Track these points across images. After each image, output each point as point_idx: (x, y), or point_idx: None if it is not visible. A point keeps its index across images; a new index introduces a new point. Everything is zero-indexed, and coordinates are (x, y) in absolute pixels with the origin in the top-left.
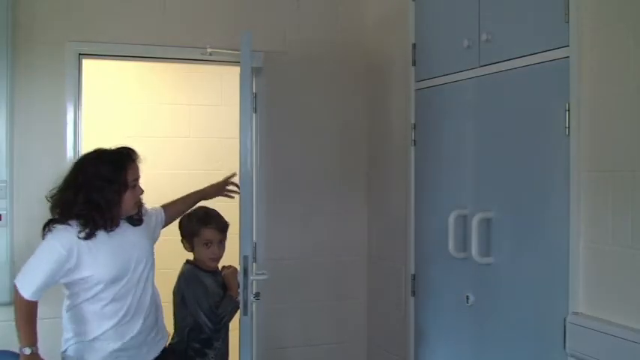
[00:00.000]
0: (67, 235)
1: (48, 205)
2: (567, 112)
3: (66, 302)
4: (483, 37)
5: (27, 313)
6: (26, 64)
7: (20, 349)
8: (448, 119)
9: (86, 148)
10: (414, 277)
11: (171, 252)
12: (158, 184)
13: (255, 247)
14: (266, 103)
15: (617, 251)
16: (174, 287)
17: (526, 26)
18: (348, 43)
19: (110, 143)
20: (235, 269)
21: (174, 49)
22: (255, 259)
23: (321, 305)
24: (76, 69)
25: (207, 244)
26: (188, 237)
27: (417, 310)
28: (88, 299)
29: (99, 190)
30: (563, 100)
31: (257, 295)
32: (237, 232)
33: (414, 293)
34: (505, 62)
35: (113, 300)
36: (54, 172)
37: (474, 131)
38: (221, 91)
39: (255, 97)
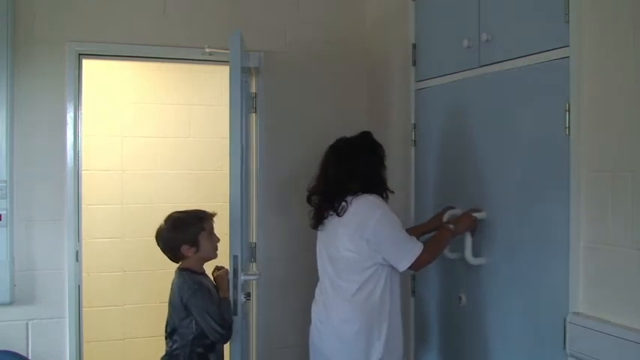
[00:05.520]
0: None
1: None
2: (567, 112)
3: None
4: (483, 37)
5: (434, 249)
6: (26, 64)
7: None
8: (448, 119)
9: (86, 148)
10: (413, 277)
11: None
12: (158, 184)
13: (254, 248)
14: (266, 103)
15: (617, 251)
16: (172, 297)
17: (526, 26)
18: (348, 43)
19: (110, 143)
20: (227, 270)
21: (174, 49)
22: (254, 259)
23: None
24: (76, 69)
25: (211, 233)
26: (191, 240)
27: (416, 310)
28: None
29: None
30: (563, 100)
31: (248, 295)
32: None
33: (414, 293)
34: (505, 62)
35: None
36: (54, 172)
37: (474, 131)
38: (221, 91)
39: (255, 97)
